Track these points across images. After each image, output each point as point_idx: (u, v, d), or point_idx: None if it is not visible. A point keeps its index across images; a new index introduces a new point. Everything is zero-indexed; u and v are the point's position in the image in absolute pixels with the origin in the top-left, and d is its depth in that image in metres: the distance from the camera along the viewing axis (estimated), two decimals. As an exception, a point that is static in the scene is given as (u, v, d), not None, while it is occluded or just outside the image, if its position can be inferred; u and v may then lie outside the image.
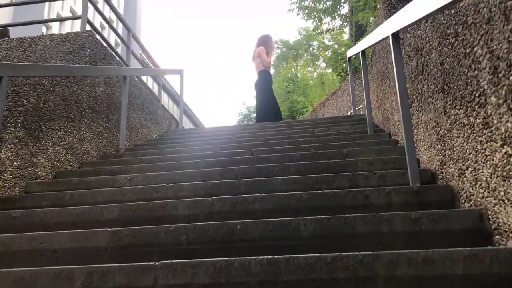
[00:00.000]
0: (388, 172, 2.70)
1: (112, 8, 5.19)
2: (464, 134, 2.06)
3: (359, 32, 11.26)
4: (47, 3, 14.07)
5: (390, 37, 2.65)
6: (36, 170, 3.46)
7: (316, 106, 12.56)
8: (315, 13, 12.18)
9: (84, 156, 4.16)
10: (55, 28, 15.20)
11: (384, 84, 4.34)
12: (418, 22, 2.36)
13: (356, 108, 7.15)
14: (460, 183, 2.16)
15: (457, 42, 2.05)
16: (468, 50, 1.90)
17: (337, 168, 3.01)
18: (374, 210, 2.24)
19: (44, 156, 3.56)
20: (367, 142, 3.85)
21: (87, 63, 4.34)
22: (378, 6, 4.61)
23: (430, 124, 2.64)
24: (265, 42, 7.38)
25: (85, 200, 2.82)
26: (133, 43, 6.04)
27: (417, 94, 2.92)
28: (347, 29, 13.89)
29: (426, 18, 2.18)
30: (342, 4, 11.77)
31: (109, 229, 2.06)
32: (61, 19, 4.78)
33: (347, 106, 9.84)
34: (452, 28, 2.11)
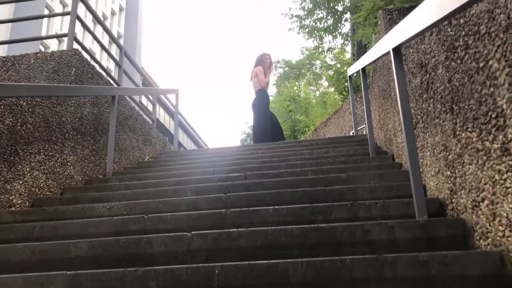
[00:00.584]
0: (392, 202, 2.42)
1: (101, 24, 4.99)
2: (478, 161, 1.78)
3: (361, 50, 11.08)
4: (45, 22, 14.01)
5: (391, 52, 2.41)
6: (11, 198, 3.20)
7: (318, 125, 12.33)
8: (316, 32, 12.03)
9: (67, 181, 3.90)
10: (53, 46, 15.12)
11: (386, 103, 4.09)
12: (421, 34, 2.12)
13: (358, 128, 6.89)
14: (474, 216, 1.88)
15: (467, 55, 1.79)
16: (481, 65, 1.65)
17: (335, 196, 2.74)
18: (375, 247, 1.96)
19: (20, 182, 3.30)
20: (369, 165, 3.57)
21: (72, 82, 4.11)
22: (379, 22, 4.39)
23: (438, 148, 2.37)
24: (261, 61, 7.21)
25: (56, 233, 2.55)
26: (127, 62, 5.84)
27: (422, 114, 2.65)
28: (349, 48, 13.75)
29: (430, 29, 1.93)
30: (343, 22, 11.62)
31: (69, 272, 1.78)
32: (45, 37, 4.58)
33: (349, 125, 9.59)
34: (461, 40, 1.86)
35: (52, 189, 3.68)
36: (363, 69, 4.23)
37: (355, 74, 7.18)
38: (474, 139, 1.80)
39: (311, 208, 2.44)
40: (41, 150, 3.59)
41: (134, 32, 19.15)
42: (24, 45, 7.76)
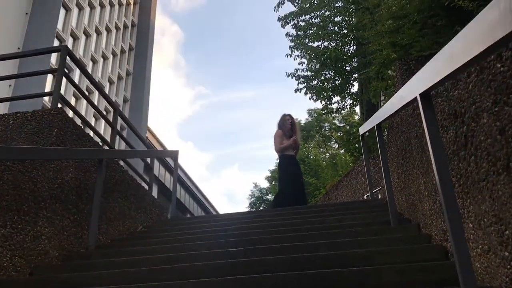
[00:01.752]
0: (430, 291, 1.85)
1: (93, 82, 4.66)
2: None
3: (370, 111, 10.73)
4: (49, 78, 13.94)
5: (419, 99, 1.93)
6: (-38, 282, 2.65)
7: (329, 188, 11.73)
8: (324, 92, 11.79)
9: (40, 258, 3.36)
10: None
11: (407, 164, 3.58)
12: (463, 71, 1.65)
13: (374, 191, 6.32)
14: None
15: (533, 94, 1.31)
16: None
17: (355, 281, 2.16)
18: None
19: (-23, 262, 2.77)
20: (392, 238, 3.00)
21: (53, 144, 3.69)
22: (395, 73, 3.99)
23: (486, 219, 1.83)
24: (280, 124, 6.80)
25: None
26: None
27: (458, 176, 2.14)
28: (358, 109, 13.44)
29: (474, 62, 1.47)
30: (351, 82, 11.39)
31: None
32: (28, 96, 4.25)
33: (362, 188, 9.00)
34: (521, 76, 1.38)
35: (19, 268, 3.13)
36: (379, 125, 3.76)
37: (367, 133, 6.74)
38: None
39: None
40: (8, 222, 3.09)
41: (140, 94, 19.22)
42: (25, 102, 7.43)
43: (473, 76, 1.81)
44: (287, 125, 6.76)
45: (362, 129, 5.12)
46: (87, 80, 4.48)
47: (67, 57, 4.28)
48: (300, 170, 6.93)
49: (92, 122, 14.71)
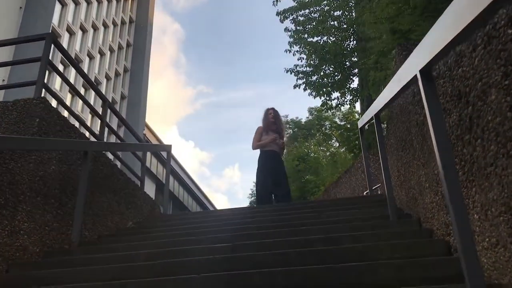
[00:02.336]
0: (431, 289, 1.66)
1: (76, 67, 4.45)
2: None
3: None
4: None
5: (419, 76, 1.74)
6: None
7: (328, 185, 11.54)
8: (323, 88, 11.59)
9: (18, 254, 3.17)
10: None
11: (407, 155, 3.38)
12: (466, 36, 1.46)
13: (373, 187, 6.12)
14: None
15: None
16: None
17: (349, 277, 1.97)
18: None
19: None
20: (391, 233, 2.81)
21: (35, 134, 3.50)
22: (393, 61, 3.80)
23: (494, 208, 1.64)
24: (262, 119, 6.58)
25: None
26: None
27: (462, 163, 1.95)
28: (358, 106, 13.23)
29: (478, 25, 1.28)
30: (352, 77, 11.19)
31: None
32: (11, 86, 4.06)
33: (362, 185, 8.81)
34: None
35: (-6, 265, 2.95)
36: (377, 116, 3.58)
37: (367, 127, 6.54)
38: None
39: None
40: (-19, 216, 2.90)
41: (138, 90, 18.97)
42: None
43: (479, 49, 1.62)
44: (269, 118, 6.46)
45: (361, 122, 4.92)
46: (83, 79, 4.25)
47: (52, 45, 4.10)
48: (281, 165, 6.46)
49: (88, 120, 14.51)
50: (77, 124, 4.39)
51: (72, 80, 11.74)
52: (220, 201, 73.70)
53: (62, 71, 4.28)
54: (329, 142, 26.96)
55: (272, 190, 6.11)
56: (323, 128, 28.06)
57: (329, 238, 2.79)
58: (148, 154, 15.54)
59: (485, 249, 1.78)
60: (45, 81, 4.01)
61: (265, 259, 2.41)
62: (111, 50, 19.37)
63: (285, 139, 6.66)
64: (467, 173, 1.91)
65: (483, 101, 1.63)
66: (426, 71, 1.71)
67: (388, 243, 2.47)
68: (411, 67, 1.86)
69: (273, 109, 6.65)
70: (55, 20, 14.63)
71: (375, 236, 2.74)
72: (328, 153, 23.48)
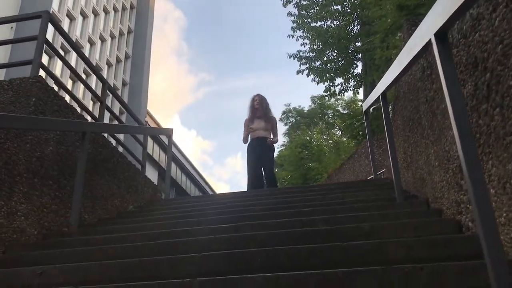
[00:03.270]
0: (445, 267, 1.56)
1: (77, 51, 4.33)
2: None
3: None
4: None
5: (433, 41, 1.62)
6: None
7: (331, 172, 11.44)
8: (326, 74, 11.43)
9: (15, 236, 3.09)
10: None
11: (415, 135, 3.27)
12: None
13: (378, 173, 6.01)
14: None
15: None
16: None
17: (356, 257, 1.88)
18: None
19: None
20: (398, 213, 2.71)
21: (31, 114, 3.40)
22: (401, 36, 3.66)
23: (514, 181, 1.54)
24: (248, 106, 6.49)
25: None
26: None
27: (478, 135, 1.84)
28: (361, 92, 13.05)
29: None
30: (355, 63, 11.02)
31: None
32: (7, 65, 3.97)
33: (365, 171, 8.70)
34: None
35: (-11, 246, 2.87)
36: (384, 94, 3.45)
37: (371, 110, 6.40)
38: None
39: (322, 276, 1.59)
40: (-24, 196, 2.82)
41: (140, 77, 18.81)
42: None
43: (500, 8, 1.50)
44: (255, 105, 6.33)
45: (366, 105, 4.80)
46: (83, 61, 4.14)
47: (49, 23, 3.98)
48: (268, 150, 6.28)
49: (90, 106, 14.38)
50: (76, 107, 4.30)
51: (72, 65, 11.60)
52: (223, 190, 73.76)
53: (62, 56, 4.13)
54: (332, 131, 26.84)
55: (260, 175, 6.08)
56: (325, 117, 27.90)
57: (334, 218, 2.70)
58: (150, 142, 15.45)
59: (502, 225, 1.69)
60: (43, 61, 3.90)
61: (268, 239, 2.32)
62: (112, 36, 19.18)
63: (278, 130, 6.51)
64: (482, 145, 1.80)
65: (503, 65, 1.52)
66: (441, 34, 1.59)
67: (396, 223, 2.38)
68: (425, 32, 1.75)
69: (258, 95, 6.52)
70: (55, 5, 14.45)
71: (382, 217, 2.65)
72: (330, 141, 23.38)
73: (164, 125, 23.72)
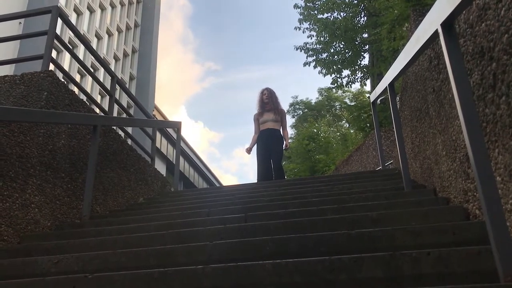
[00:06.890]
0: (451, 252, 1.60)
1: (85, 44, 4.39)
2: None
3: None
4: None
5: (440, 31, 1.65)
6: None
7: (339, 164, 11.47)
8: (333, 66, 11.41)
9: (29, 227, 3.17)
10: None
11: (422, 125, 3.29)
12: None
13: (386, 164, 6.03)
14: None
15: None
16: None
17: (364, 243, 1.92)
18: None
19: (-42, 229, 2.58)
20: (406, 201, 2.74)
21: (42, 108, 3.46)
22: (408, 27, 3.67)
23: (519, 169, 1.56)
24: (257, 100, 6.54)
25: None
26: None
27: (484, 124, 1.86)
28: (368, 84, 13.02)
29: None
30: (362, 54, 10.98)
31: None
32: (18, 60, 4.03)
33: (373, 162, 8.72)
34: None
35: (6, 237, 2.94)
36: (391, 85, 3.48)
37: (379, 101, 6.41)
38: None
39: (329, 262, 1.63)
40: (-8, 188, 2.89)
41: (147, 71, 18.89)
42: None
43: (507, -3, 1.52)
44: (264, 99, 6.39)
45: (373, 96, 4.82)
46: (91, 55, 4.20)
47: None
48: (278, 142, 6.28)
49: (98, 99, 14.48)
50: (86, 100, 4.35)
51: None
52: (231, 183, 74.01)
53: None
54: (340, 123, 26.81)
55: (269, 166, 6.12)
56: (333, 109, 27.85)
57: (343, 207, 2.74)
58: (158, 136, 15.54)
59: (508, 212, 1.72)
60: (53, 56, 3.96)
61: (278, 228, 2.36)
62: (119, 30, 19.25)
63: (286, 124, 6.54)
64: (489, 134, 1.83)
65: (509, 55, 1.54)
66: (448, 24, 1.62)
67: (404, 211, 2.41)
68: (431, 22, 1.77)
69: (267, 89, 6.56)
70: (62, 0, 14.53)
71: (390, 205, 2.68)
72: (338, 134, 23.36)
73: (171, 117, 23.81)
